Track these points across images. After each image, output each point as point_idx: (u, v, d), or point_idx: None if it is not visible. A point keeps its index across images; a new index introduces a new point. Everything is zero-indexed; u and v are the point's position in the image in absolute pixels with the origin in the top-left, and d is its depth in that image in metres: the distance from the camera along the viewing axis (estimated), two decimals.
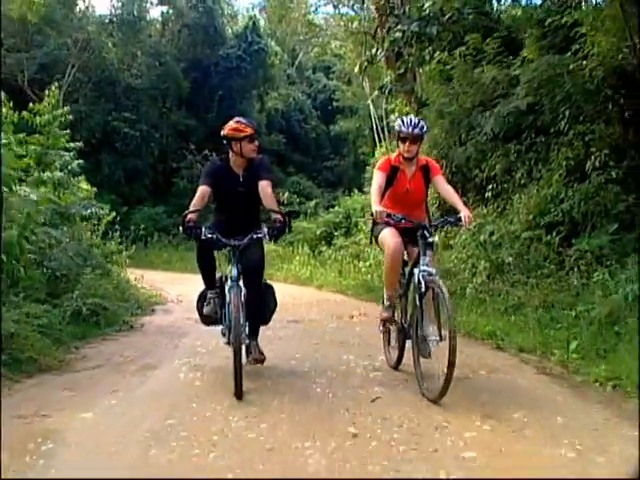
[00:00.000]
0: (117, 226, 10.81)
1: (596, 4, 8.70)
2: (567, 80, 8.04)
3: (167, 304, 9.27)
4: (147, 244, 20.30)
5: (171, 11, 25.82)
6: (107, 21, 24.53)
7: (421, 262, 4.10)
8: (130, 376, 4.46)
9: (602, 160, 7.55)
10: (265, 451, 2.94)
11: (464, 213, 4.26)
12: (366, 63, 11.67)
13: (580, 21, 7.91)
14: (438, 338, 3.94)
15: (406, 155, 4.50)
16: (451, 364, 3.65)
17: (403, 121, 4.52)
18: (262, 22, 29.68)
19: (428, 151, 9.28)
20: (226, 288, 4.29)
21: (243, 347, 4.07)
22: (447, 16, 9.68)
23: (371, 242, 4.90)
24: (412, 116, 4.72)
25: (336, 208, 19.10)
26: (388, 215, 4.23)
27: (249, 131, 4.45)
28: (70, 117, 9.87)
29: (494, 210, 8.92)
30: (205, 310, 4.61)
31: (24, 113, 8.93)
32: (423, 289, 4.05)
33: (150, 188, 24.14)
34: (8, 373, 4.14)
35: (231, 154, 4.54)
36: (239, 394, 3.84)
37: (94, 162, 19.48)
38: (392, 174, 4.54)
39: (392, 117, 14.67)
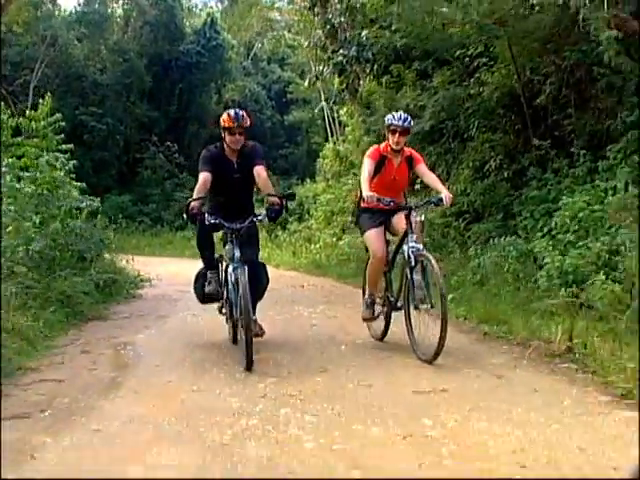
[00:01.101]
0: (100, 215, 12.51)
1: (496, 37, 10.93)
2: (468, 102, 10.34)
3: (152, 281, 10.86)
4: (116, 231, 21.67)
5: (133, 8, 26.89)
6: (69, 15, 25.49)
7: (409, 239, 4.52)
8: (153, 321, 6.60)
9: (498, 163, 9.79)
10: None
11: (445, 194, 4.64)
12: (314, 79, 13.76)
13: (484, 52, 10.18)
14: (429, 306, 4.36)
15: (394, 147, 4.80)
16: (443, 327, 4.08)
17: (394, 115, 4.81)
18: (218, 15, 30.20)
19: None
20: (229, 268, 4.57)
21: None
22: (380, 43, 11.84)
23: (356, 224, 5.35)
24: (401, 111, 4.99)
25: None
26: (378, 199, 4.61)
27: (246, 124, 4.77)
28: (63, 123, 11.53)
29: (421, 200, 11.13)
30: (207, 289, 4.90)
31: (21, 120, 10.63)
32: (413, 263, 4.48)
33: (116, 178, 25.37)
34: (73, 320, 6.21)
35: (225, 144, 4.82)
36: (250, 366, 4.15)
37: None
38: (380, 162, 4.85)
39: (341, 112, 16.82)
